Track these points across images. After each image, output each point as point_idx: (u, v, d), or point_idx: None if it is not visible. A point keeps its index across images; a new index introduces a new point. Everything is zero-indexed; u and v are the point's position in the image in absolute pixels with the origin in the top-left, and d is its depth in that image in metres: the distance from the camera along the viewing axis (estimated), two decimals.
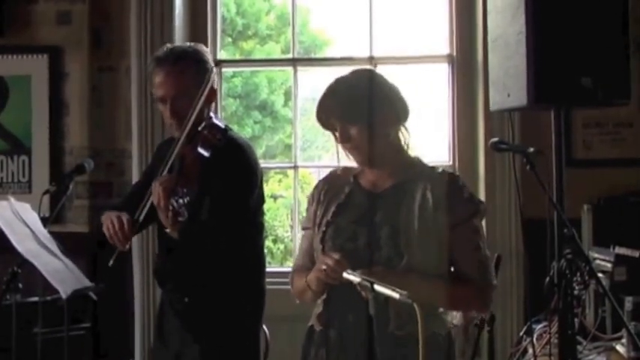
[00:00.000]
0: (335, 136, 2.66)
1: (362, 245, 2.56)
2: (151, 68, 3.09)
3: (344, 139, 2.62)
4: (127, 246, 2.95)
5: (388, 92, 2.67)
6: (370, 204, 2.64)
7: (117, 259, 2.95)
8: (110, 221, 2.95)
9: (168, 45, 3.22)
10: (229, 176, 2.98)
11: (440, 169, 2.69)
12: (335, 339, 2.61)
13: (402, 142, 2.69)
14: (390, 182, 2.66)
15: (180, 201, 2.86)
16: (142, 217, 2.95)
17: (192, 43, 3.20)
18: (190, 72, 3.01)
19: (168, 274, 3.12)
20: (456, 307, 2.80)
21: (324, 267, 2.49)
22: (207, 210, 2.94)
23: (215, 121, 3.05)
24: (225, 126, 3.09)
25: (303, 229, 2.82)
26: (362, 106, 2.60)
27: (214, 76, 3.03)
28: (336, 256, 2.48)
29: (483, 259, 2.62)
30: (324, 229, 2.65)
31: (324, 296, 2.64)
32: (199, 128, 2.97)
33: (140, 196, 2.99)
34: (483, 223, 2.72)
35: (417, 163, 2.71)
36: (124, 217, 2.94)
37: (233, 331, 3.05)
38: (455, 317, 2.78)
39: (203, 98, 2.95)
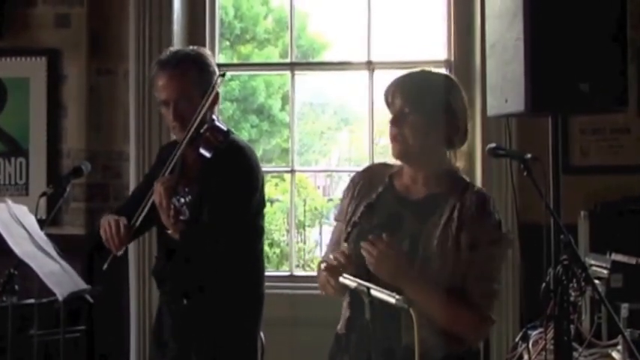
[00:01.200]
0: (390, 118, 2.61)
1: None
2: (154, 71, 3.10)
3: (397, 121, 2.58)
4: (122, 251, 2.96)
5: (463, 111, 2.65)
6: (399, 210, 2.60)
7: (111, 264, 2.96)
8: (108, 224, 2.96)
9: (172, 48, 3.24)
10: (230, 178, 2.99)
11: (475, 188, 2.64)
12: (356, 342, 2.58)
13: (448, 157, 2.66)
14: (423, 192, 2.63)
15: (182, 200, 2.87)
16: (138, 223, 2.96)
17: (195, 47, 3.21)
18: (193, 75, 3.02)
19: (168, 275, 3.12)
20: (452, 326, 2.51)
21: (334, 263, 2.47)
22: (207, 211, 2.95)
23: (217, 123, 3.06)
24: (227, 129, 3.09)
25: (336, 220, 2.81)
26: (434, 101, 2.59)
27: (218, 80, 3.04)
28: (345, 253, 2.48)
29: (490, 291, 2.55)
30: (349, 229, 2.63)
31: (349, 299, 2.62)
32: (201, 130, 2.97)
33: (140, 200, 3.00)
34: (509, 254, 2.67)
35: (454, 177, 2.66)
36: (121, 222, 2.95)
37: (231, 334, 3.05)
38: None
39: (209, 103, 2.96)
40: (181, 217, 2.87)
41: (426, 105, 2.58)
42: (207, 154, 2.97)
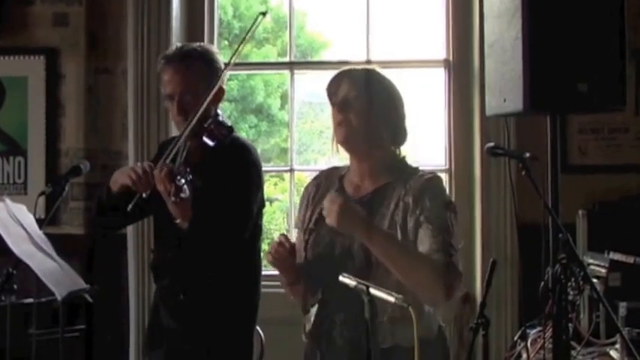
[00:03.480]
0: (332, 109, 2.66)
1: (337, 254, 2.58)
2: (159, 67, 3.10)
3: (343, 106, 2.61)
4: (148, 192, 2.93)
5: (400, 105, 2.69)
6: None
7: (135, 205, 2.95)
8: (132, 169, 2.96)
9: (178, 44, 3.24)
10: (236, 175, 3.00)
11: (420, 173, 2.63)
12: (326, 343, 2.61)
13: (393, 150, 2.69)
14: (370, 187, 2.65)
15: (183, 180, 2.86)
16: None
17: (201, 43, 3.22)
18: (198, 70, 3.03)
19: (167, 269, 3.12)
20: (413, 276, 2.44)
21: (271, 251, 2.59)
22: (213, 206, 2.94)
23: (221, 118, 3.06)
24: (231, 125, 3.10)
25: (296, 228, 2.85)
26: (379, 90, 2.64)
27: (223, 76, 3.04)
28: (277, 239, 2.59)
29: (445, 244, 2.47)
30: (307, 237, 2.66)
31: (319, 298, 2.63)
32: (205, 124, 2.98)
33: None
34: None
35: (401, 166, 2.68)
36: (146, 163, 2.96)
37: (227, 330, 3.05)
38: (440, 317, 2.69)
39: (212, 94, 2.96)
40: (182, 195, 2.86)
41: (371, 91, 2.62)
42: (211, 143, 2.98)
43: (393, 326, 2.48)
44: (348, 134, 2.63)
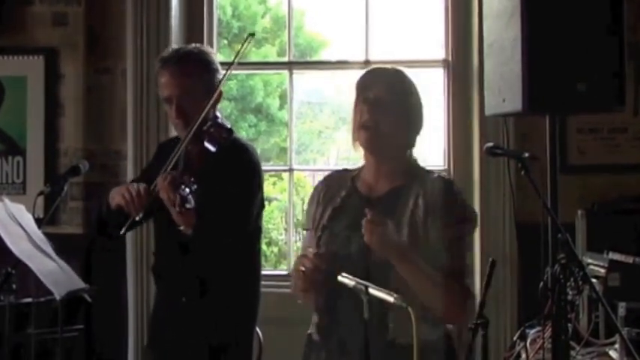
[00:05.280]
0: (361, 106, 2.64)
1: (355, 251, 2.55)
2: (156, 69, 3.10)
3: (374, 108, 2.59)
4: (140, 215, 2.93)
5: (421, 108, 2.71)
6: (365, 208, 2.63)
7: (128, 229, 2.97)
8: (126, 189, 2.93)
9: (174, 46, 3.23)
10: (237, 176, 3.00)
11: (435, 174, 2.66)
12: (335, 343, 2.59)
13: (408, 153, 2.71)
14: (386, 187, 2.65)
15: (187, 190, 2.85)
16: (156, 190, 2.94)
17: (197, 44, 3.21)
18: (195, 72, 3.03)
19: (169, 272, 3.12)
20: (436, 299, 2.50)
21: (302, 269, 2.50)
22: (214, 208, 2.94)
23: (221, 120, 3.06)
24: (231, 127, 3.10)
25: (304, 229, 2.83)
26: (409, 95, 2.65)
27: (221, 77, 3.04)
28: (311, 253, 2.51)
29: (462, 266, 2.58)
30: (319, 233, 2.65)
31: (324, 301, 2.62)
32: (205, 127, 2.98)
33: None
34: (477, 234, 2.69)
35: (414, 167, 2.70)
36: (141, 185, 2.94)
37: (228, 332, 3.05)
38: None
39: (212, 101, 2.97)
40: (187, 206, 2.85)
41: (404, 96, 2.63)
42: (212, 148, 2.97)
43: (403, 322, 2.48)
44: (373, 137, 2.61)
